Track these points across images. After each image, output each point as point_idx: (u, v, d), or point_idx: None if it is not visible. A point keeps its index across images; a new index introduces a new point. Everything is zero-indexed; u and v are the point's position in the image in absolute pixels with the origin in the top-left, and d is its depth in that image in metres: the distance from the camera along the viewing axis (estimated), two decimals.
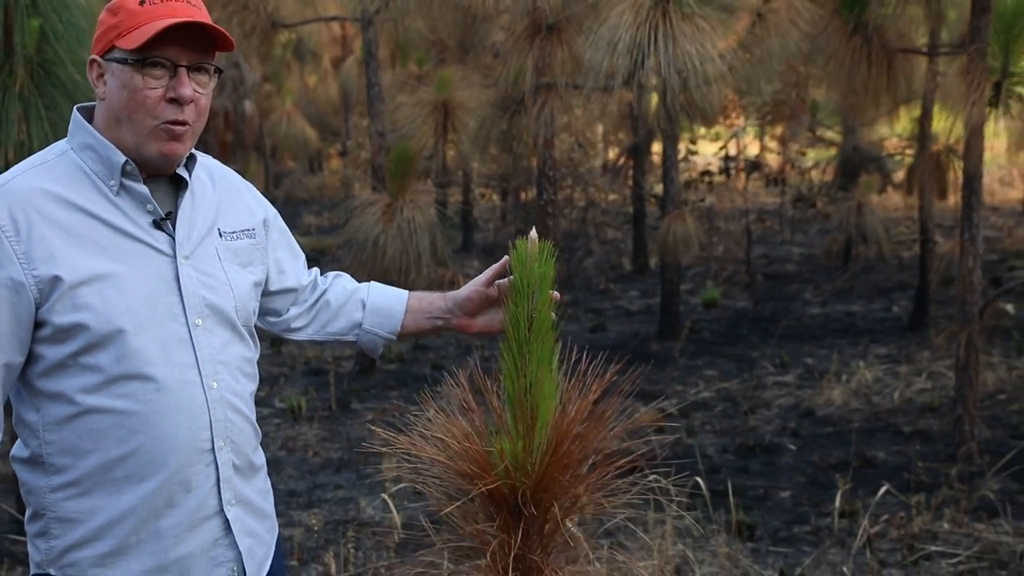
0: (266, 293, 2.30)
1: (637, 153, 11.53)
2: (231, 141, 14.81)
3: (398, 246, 5.98)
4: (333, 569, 4.40)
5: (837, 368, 7.64)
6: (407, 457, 2.25)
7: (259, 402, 2.37)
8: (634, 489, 2.34)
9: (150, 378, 2.00)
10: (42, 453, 2.02)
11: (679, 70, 4.59)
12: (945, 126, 5.68)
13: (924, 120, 8.79)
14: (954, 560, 4.67)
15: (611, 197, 14.90)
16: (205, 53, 2.04)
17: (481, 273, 2.39)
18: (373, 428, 2.39)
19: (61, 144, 2.09)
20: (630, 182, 12.41)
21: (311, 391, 7.50)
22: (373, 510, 5.26)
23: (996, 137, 19.07)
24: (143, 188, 2.04)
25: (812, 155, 13.44)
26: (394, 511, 4.48)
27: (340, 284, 2.45)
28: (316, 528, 5.13)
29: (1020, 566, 4.55)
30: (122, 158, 2.02)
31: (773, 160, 15.43)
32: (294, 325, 2.40)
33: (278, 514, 2.30)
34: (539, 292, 2.22)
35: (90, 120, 2.08)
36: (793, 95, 11.76)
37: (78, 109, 2.11)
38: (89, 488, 2.02)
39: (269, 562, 2.23)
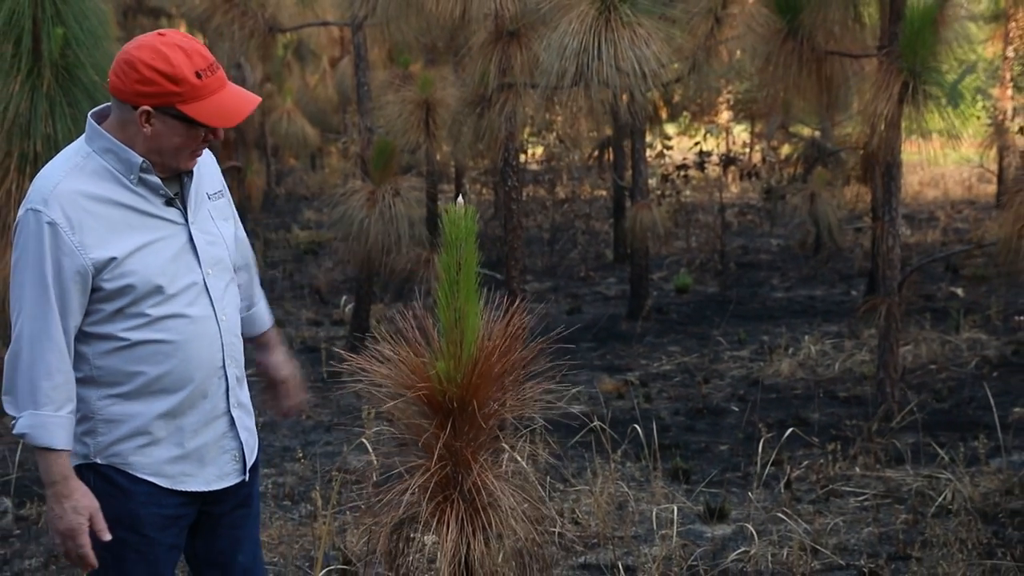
0: None
1: (614, 148, 12.22)
2: (233, 139, 15.46)
3: (380, 228, 6.70)
4: (319, 503, 5.10)
5: (787, 343, 8.33)
6: (365, 374, 2.97)
7: (258, 373, 3.16)
8: (545, 398, 3.06)
9: (184, 316, 2.69)
10: (93, 375, 2.69)
11: (621, 71, 5.27)
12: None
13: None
14: (861, 498, 5.35)
15: (599, 191, 15.59)
16: None
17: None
18: (342, 353, 3.10)
19: (83, 146, 2.69)
20: (610, 176, 13.09)
21: (306, 365, 8.18)
22: (357, 462, 5.95)
23: (972, 136, 19.73)
24: (156, 179, 2.67)
25: (786, 150, 14.10)
26: (372, 453, 5.16)
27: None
28: (306, 475, 5.82)
29: (916, 502, 5.23)
30: (139, 159, 2.64)
31: (758, 156, 16.10)
32: None
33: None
34: (465, 244, 2.94)
35: (99, 120, 2.69)
36: (764, 93, 12.39)
37: (92, 116, 2.71)
38: (132, 397, 2.70)
39: (256, 452, 2.93)
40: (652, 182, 11.60)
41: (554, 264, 12.52)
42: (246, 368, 2.92)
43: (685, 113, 15.52)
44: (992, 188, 19.02)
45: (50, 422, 2.60)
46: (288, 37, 17.22)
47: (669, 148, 12.87)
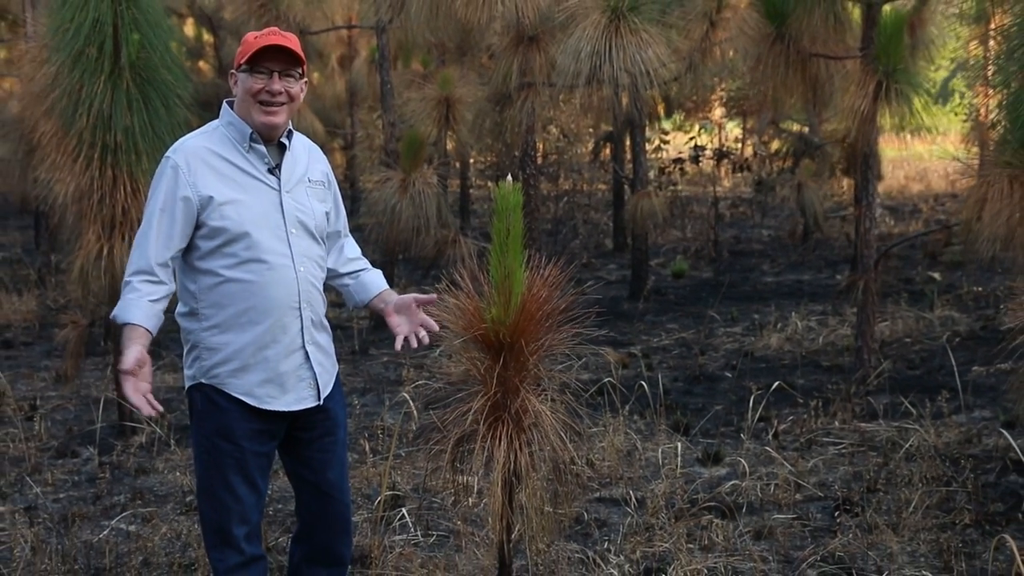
0: None
1: (614, 142, 12.97)
2: None
3: (411, 212, 7.45)
4: (367, 448, 5.85)
5: (776, 320, 9.09)
6: (438, 319, 3.70)
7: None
8: (575, 340, 3.80)
9: (264, 261, 3.43)
10: (197, 308, 3.45)
11: (628, 72, 6.02)
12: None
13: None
14: (839, 446, 6.10)
15: (599, 186, 16.34)
16: (290, 64, 3.48)
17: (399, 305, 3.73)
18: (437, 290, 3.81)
19: (215, 123, 3.52)
20: (608, 169, 13.83)
21: (341, 339, 8.91)
22: (392, 420, 6.69)
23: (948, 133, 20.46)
24: (263, 148, 3.48)
25: (776, 145, 14.87)
26: (412, 405, 5.91)
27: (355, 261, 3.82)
28: (350, 430, 6.56)
29: (886, 449, 5.98)
30: (249, 129, 3.45)
31: (749, 150, 16.88)
32: None
33: None
34: (513, 214, 3.69)
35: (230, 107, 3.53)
36: (755, 91, 13.15)
37: (225, 102, 3.53)
38: (225, 328, 3.45)
39: (331, 387, 3.65)
40: (650, 174, 12.35)
41: (557, 253, 13.26)
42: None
43: (679, 110, 16.28)
44: (974, 182, 19.81)
45: (132, 304, 3.35)
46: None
47: (666, 143, 13.61)
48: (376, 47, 11.17)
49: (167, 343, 8.67)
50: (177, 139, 3.60)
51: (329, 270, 3.74)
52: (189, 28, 23.80)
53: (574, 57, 6.06)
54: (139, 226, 3.50)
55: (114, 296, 6.27)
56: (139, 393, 3.30)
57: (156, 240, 3.38)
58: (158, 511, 5.25)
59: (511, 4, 6.21)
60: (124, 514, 5.24)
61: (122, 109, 5.97)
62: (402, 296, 3.77)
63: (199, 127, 3.67)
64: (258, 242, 3.41)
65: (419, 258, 8.96)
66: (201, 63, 22.87)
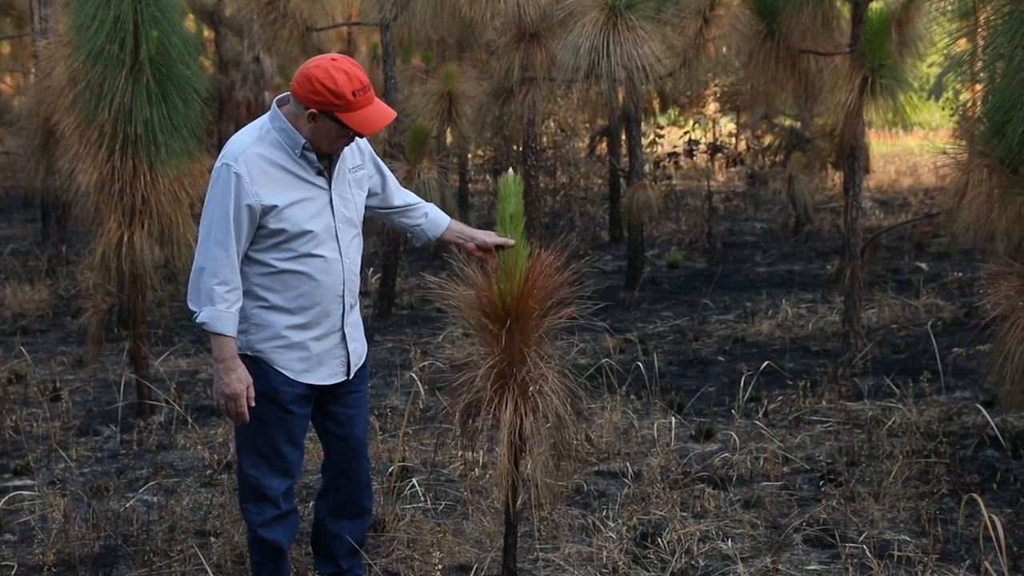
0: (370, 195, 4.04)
1: (611, 136, 13.26)
2: None
3: None
4: (378, 426, 6.14)
5: (767, 308, 9.39)
6: (448, 294, 4.01)
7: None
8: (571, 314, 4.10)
9: (320, 256, 3.75)
10: (250, 288, 3.74)
11: (625, 67, 6.32)
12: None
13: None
14: (825, 424, 6.41)
15: (594, 180, 16.62)
16: None
17: (480, 237, 4.03)
18: (426, 276, 4.14)
19: (266, 122, 3.73)
20: (605, 163, 14.13)
21: None
22: (398, 401, 6.98)
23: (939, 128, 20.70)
24: (313, 156, 3.73)
25: (768, 139, 15.17)
26: (419, 383, 6.20)
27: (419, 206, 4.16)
28: None
29: (870, 427, 6.29)
30: (303, 140, 3.69)
31: (743, 145, 17.19)
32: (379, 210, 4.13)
33: None
34: (515, 198, 4.01)
35: (280, 105, 3.75)
36: (748, 86, 13.45)
37: (275, 101, 3.77)
38: (275, 310, 3.76)
39: (361, 363, 3.98)
40: (646, 167, 12.65)
41: (555, 244, 13.54)
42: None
43: (674, 106, 16.58)
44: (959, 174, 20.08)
45: (223, 315, 3.65)
46: (295, 33, 18.22)
47: (661, 137, 13.90)
48: (378, 43, 11.47)
49: (178, 329, 8.97)
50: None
51: (393, 209, 4.08)
52: (189, 24, 24.08)
53: (573, 53, 6.36)
54: (197, 225, 3.75)
55: (133, 283, 6.56)
56: (245, 410, 3.65)
57: (234, 247, 3.62)
58: (181, 483, 5.54)
59: (513, 2, 6.50)
60: (148, 486, 5.53)
61: (142, 102, 6.24)
62: (481, 239, 4.02)
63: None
64: (314, 240, 3.70)
65: (423, 247, 9.25)
66: (201, 59, 23.16)
